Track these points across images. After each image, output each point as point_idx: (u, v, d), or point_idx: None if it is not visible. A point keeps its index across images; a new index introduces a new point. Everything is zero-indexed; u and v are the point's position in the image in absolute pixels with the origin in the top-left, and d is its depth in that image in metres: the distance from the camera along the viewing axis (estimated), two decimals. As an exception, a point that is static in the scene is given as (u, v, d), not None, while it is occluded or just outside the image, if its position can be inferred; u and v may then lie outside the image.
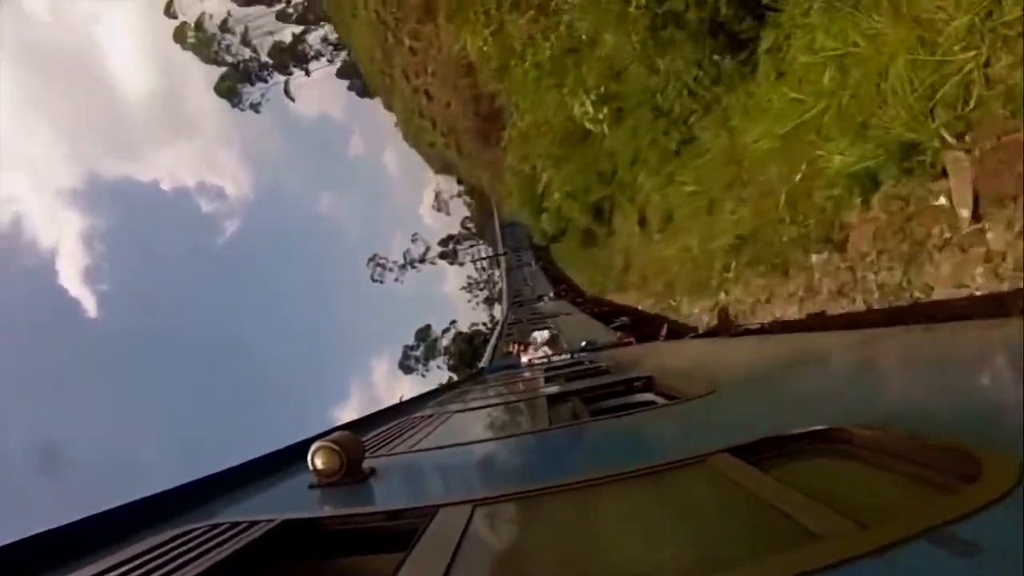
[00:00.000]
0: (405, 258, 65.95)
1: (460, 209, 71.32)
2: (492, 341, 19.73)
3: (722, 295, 9.64)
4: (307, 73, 61.26)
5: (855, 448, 1.26)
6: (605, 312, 17.66)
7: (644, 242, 14.20)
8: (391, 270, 65.50)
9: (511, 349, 11.88)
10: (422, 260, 67.08)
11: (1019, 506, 0.80)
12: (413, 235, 68.89)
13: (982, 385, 1.57)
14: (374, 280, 65.38)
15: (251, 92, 58.72)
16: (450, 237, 69.78)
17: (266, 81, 59.10)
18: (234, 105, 59.15)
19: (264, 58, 58.02)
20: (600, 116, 12.14)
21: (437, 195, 71.45)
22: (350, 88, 63.81)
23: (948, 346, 2.31)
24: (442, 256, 68.03)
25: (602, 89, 11.94)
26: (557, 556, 1.24)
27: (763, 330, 7.81)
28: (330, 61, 60.68)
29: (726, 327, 9.10)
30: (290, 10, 58.84)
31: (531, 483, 1.65)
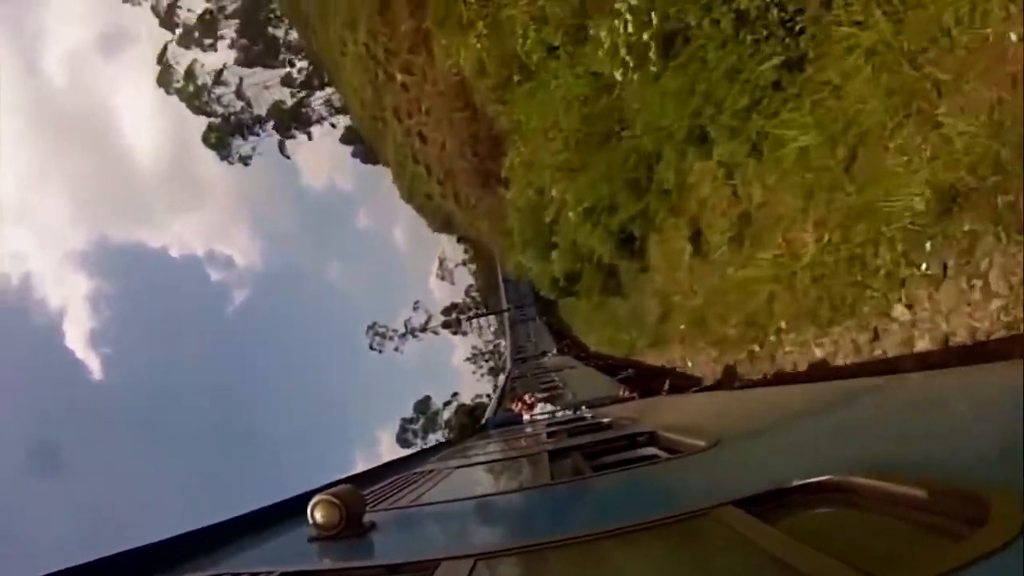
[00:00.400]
0: (406, 327, 62.66)
1: (465, 278, 68.55)
2: (495, 396, 19.56)
3: (899, 310, 5.34)
4: (309, 137, 60.80)
5: (859, 497, 1.25)
6: (609, 366, 17.51)
7: (699, 268, 9.78)
8: (391, 339, 61.84)
9: (513, 405, 11.80)
10: (424, 329, 63.94)
11: None
12: (415, 303, 65.30)
13: (985, 429, 1.57)
14: (372, 349, 61.70)
15: (241, 145, 57.56)
16: (453, 306, 66.27)
17: (258, 135, 58.04)
18: (223, 158, 58.00)
19: (257, 111, 57.19)
20: (646, 36, 8.06)
21: (441, 263, 68.85)
22: (354, 155, 63.05)
23: (949, 391, 2.30)
24: (445, 325, 64.87)
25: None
26: None
27: (766, 382, 7.75)
28: (333, 125, 60.24)
29: (729, 380, 9.05)
30: (295, 74, 58.99)
31: (533, 537, 1.63)
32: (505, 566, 1.48)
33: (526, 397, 11.66)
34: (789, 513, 1.33)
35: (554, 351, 29.86)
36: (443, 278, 69.23)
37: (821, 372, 6.40)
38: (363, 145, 54.88)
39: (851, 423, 2.40)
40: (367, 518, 2.17)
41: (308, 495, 2.14)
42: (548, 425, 7.04)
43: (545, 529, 1.92)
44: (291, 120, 58.52)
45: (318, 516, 2.02)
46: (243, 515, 2.51)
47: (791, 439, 2.42)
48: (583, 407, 9.00)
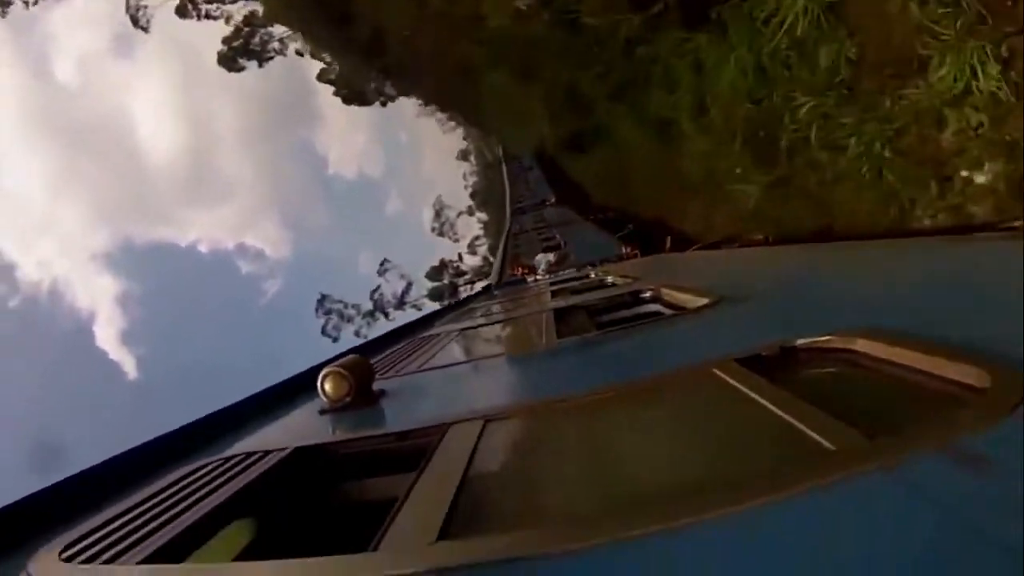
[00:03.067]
0: (374, 301, 41.58)
1: (471, 229, 48.67)
2: (499, 256, 19.44)
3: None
4: (260, 64, 43.51)
5: (864, 358, 1.24)
6: (611, 219, 17.10)
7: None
8: (350, 320, 40.59)
9: (516, 272, 11.88)
10: (401, 304, 42.61)
11: None
12: (382, 263, 42.39)
13: (994, 297, 1.54)
14: (326, 335, 39.83)
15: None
16: (443, 264, 44.28)
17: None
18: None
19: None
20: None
21: (438, 213, 48.87)
22: (335, 94, 42.64)
23: (963, 259, 2.27)
24: (434, 295, 43.42)
25: None
26: (568, 469, 1.25)
27: (768, 242, 7.69)
28: (300, 53, 44.38)
29: (731, 239, 9.01)
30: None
31: (540, 398, 1.66)
32: (513, 426, 1.51)
33: (528, 263, 11.78)
34: (792, 371, 1.33)
35: (552, 199, 29.67)
36: (441, 233, 51.02)
37: (824, 235, 6.31)
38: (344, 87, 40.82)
39: (857, 285, 2.38)
40: (376, 387, 2.22)
41: (318, 368, 2.17)
42: (552, 284, 7.11)
43: (551, 389, 1.95)
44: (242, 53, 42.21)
45: (328, 388, 2.06)
46: (255, 394, 2.56)
47: (795, 298, 2.42)
48: (586, 266, 9.06)
